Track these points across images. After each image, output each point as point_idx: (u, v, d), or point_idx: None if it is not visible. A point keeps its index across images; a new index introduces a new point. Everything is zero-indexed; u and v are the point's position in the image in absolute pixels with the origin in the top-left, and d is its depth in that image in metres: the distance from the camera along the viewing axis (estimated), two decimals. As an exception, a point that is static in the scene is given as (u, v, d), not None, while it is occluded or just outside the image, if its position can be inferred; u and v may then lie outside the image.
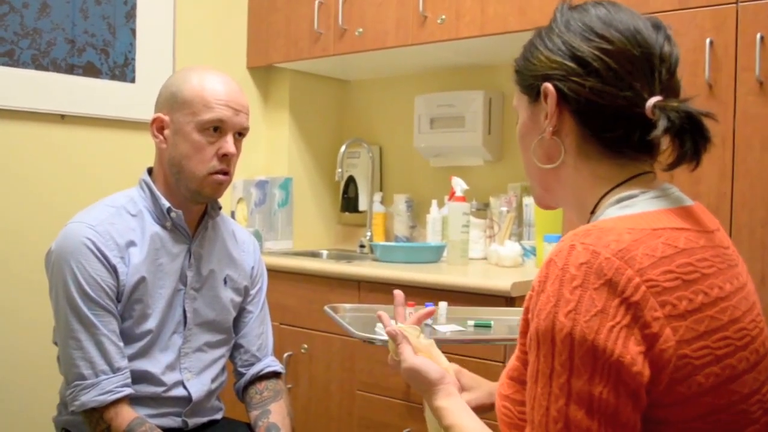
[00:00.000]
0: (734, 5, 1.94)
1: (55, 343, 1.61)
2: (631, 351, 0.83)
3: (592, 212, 1.01)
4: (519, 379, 0.96)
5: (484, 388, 1.29)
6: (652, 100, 0.95)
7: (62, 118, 2.63)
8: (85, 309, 1.52)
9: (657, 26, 1.01)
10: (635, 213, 0.95)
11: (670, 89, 0.99)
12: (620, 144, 0.99)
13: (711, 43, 1.96)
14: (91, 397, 1.50)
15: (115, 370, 1.53)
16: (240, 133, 1.65)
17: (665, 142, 0.97)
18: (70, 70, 2.63)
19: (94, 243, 1.54)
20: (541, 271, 0.90)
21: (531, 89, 1.05)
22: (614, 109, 0.97)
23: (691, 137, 0.92)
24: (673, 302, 0.86)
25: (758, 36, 1.88)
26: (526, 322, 0.93)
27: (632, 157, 1.00)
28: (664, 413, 0.86)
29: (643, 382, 0.83)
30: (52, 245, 1.58)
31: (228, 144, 1.60)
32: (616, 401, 0.82)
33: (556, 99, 1.00)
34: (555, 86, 1.00)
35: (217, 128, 1.60)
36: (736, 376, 0.89)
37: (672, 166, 0.96)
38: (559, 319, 0.84)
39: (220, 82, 1.62)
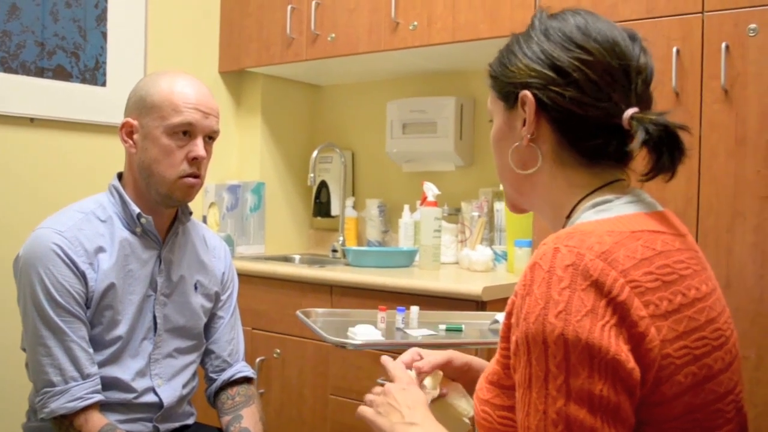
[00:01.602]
0: (700, 15, 1.97)
1: (23, 350, 1.59)
2: (623, 349, 0.84)
3: (568, 217, 1.03)
4: (499, 383, 0.97)
5: None
6: (629, 112, 0.96)
7: (31, 122, 2.61)
8: (53, 315, 1.51)
9: (633, 37, 1.02)
10: (612, 216, 0.96)
11: (645, 101, 1.01)
12: (597, 153, 1.01)
13: (678, 51, 1.98)
14: (60, 404, 1.49)
15: (84, 377, 1.51)
16: (210, 137, 1.64)
17: (638, 151, 0.99)
18: (40, 73, 2.61)
19: (62, 249, 1.53)
20: (525, 275, 0.90)
21: (508, 96, 1.05)
22: (592, 119, 0.98)
23: (668, 149, 0.94)
24: (655, 302, 0.87)
25: (723, 45, 1.91)
26: (508, 327, 0.94)
27: (607, 165, 1.02)
28: (647, 413, 0.87)
29: (638, 379, 0.84)
30: (20, 251, 1.57)
31: (198, 147, 1.60)
32: (616, 398, 0.83)
33: (534, 107, 1.01)
34: (534, 94, 1.01)
35: (186, 132, 1.59)
36: (712, 375, 0.91)
37: (648, 177, 0.98)
38: (550, 321, 0.84)
39: (189, 86, 1.61)
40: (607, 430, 0.82)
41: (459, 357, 1.33)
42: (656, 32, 2.02)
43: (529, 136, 1.03)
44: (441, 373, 1.29)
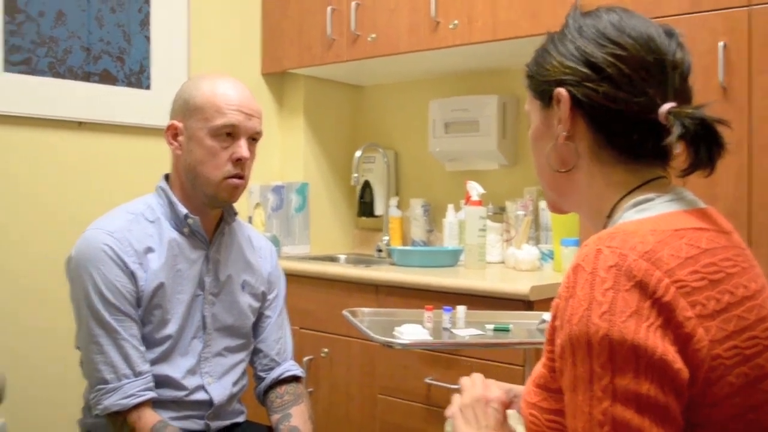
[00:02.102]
0: (747, 9, 1.93)
1: (78, 348, 1.62)
2: (670, 350, 0.82)
3: (609, 216, 1.01)
4: (545, 386, 0.96)
5: None
6: (666, 106, 0.95)
7: (79, 125, 2.65)
8: (105, 314, 1.53)
9: (669, 33, 1.01)
10: (654, 215, 0.95)
11: (683, 95, 0.99)
12: (634, 149, 1.00)
13: (724, 46, 1.94)
14: (113, 401, 1.51)
15: (137, 374, 1.54)
16: (253, 138, 1.66)
17: (678, 147, 0.97)
18: (87, 77, 2.65)
19: (112, 249, 1.55)
20: (568, 277, 0.89)
21: (543, 94, 1.05)
22: (627, 114, 0.97)
23: (706, 144, 0.93)
24: (702, 302, 0.85)
25: (773, 38, 1.87)
26: (552, 329, 0.92)
27: (646, 163, 1.01)
28: (700, 415, 0.85)
29: (685, 380, 0.83)
30: (72, 252, 1.60)
31: (241, 148, 1.61)
32: (664, 398, 0.81)
33: (569, 104, 1.00)
34: (568, 91, 1.00)
35: (229, 133, 1.61)
36: (764, 375, 0.88)
37: (686, 173, 0.97)
38: (594, 322, 0.83)
39: (232, 88, 1.63)
40: (655, 430, 0.81)
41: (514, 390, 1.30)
42: (702, 27, 1.98)
43: (564, 133, 1.02)
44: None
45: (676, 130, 0.92)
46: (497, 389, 1.25)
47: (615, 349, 0.82)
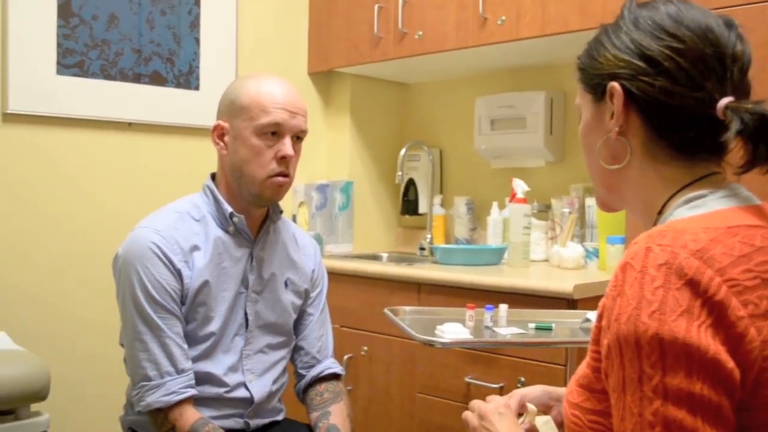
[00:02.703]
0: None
1: (122, 345, 1.65)
2: (721, 349, 0.80)
3: (659, 213, 0.99)
4: (589, 387, 0.94)
5: None
6: (724, 101, 0.92)
7: (129, 126, 2.71)
8: (150, 312, 1.56)
9: (729, 24, 0.98)
10: (707, 212, 0.92)
11: (742, 90, 0.96)
12: (689, 145, 0.97)
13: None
14: (156, 398, 1.54)
15: (179, 372, 1.56)
16: (298, 136, 1.66)
17: (733, 143, 0.94)
18: (137, 79, 2.71)
19: (159, 248, 1.58)
20: (617, 276, 0.88)
21: (596, 88, 1.03)
22: (684, 109, 0.95)
23: (765, 140, 0.90)
24: (754, 301, 0.83)
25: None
26: (599, 330, 0.91)
27: (700, 158, 0.98)
28: (748, 418, 0.83)
29: (737, 380, 0.81)
30: (119, 250, 1.63)
31: (286, 147, 1.62)
32: (717, 398, 0.80)
33: (623, 98, 0.98)
34: (622, 85, 0.98)
35: (274, 132, 1.62)
36: None
37: (744, 170, 0.94)
38: (643, 321, 0.82)
39: (277, 86, 1.64)
40: (709, 430, 0.79)
41: (554, 393, 1.30)
42: (758, 18, 1.93)
43: (617, 128, 1.00)
44: (535, 409, 1.26)
45: (735, 126, 0.90)
46: (518, 394, 1.25)
47: (666, 348, 0.80)
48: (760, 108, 0.90)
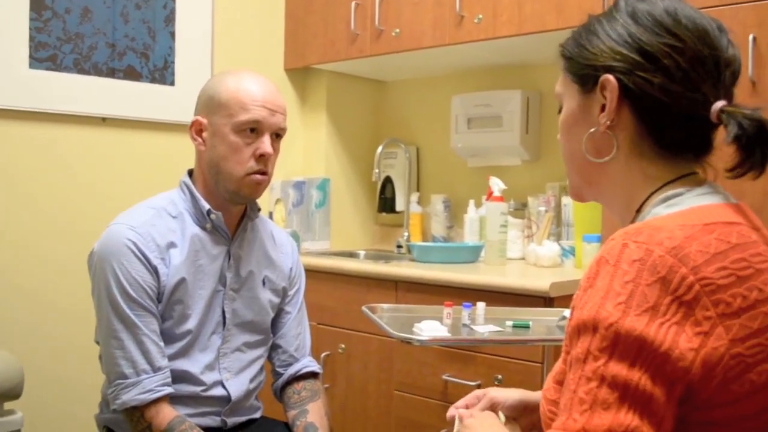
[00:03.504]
0: (778, 0, 1.90)
1: (97, 342, 1.63)
2: (681, 347, 0.81)
3: (638, 211, 0.99)
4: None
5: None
6: (719, 104, 0.93)
7: (103, 121, 2.68)
8: (126, 309, 1.54)
9: (720, 28, 0.98)
10: (684, 209, 0.93)
11: (731, 94, 0.97)
12: (676, 144, 0.97)
13: (754, 39, 1.92)
14: (132, 396, 1.53)
15: (155, 370, 1.55)
16: (277, 134, 1.65)
17: (726, 146, 0.94)
18: (111, 73, 2.68)
19: (135, 244, 1.56)
20: (591, 269, 0.88)
21: (585, 78, 1.01)
22: (677, 109, 0.94)
23: (761, 146, 0.90)
24: (727, 300, 0.84)
25: (802, 31, 1.84)
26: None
27: (684, 158, 0.99)
28: (715, 414, 0.84)
29: (685, 379, 0.82)
30: (95, 246, 1.61)
31: (265, 144, 1.61)
32: (651, 390, 0.80)
33: (618, 92, 0.97)
34: (618, 79, 0.96)
35: (253, 129, 1.61)
36: None
37: (736, 174, 0.93)
38: (606, 309, 0.82)
39: (256, 84, 1.63)
40: (632, 417, 0.79)
41: (529, 397, 1.30)
42: (731, 19, 1.95)
43: (608, 122, 0.99)
44: (504, 418, 1.27)
45: (732, 130, 0.90)
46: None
47: (620, 339, 0.81)
48: (758, 114, 0.90)
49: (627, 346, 0.81)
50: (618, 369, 0.81)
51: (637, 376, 0.80)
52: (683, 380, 0.82)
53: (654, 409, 0.81)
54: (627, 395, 0.80)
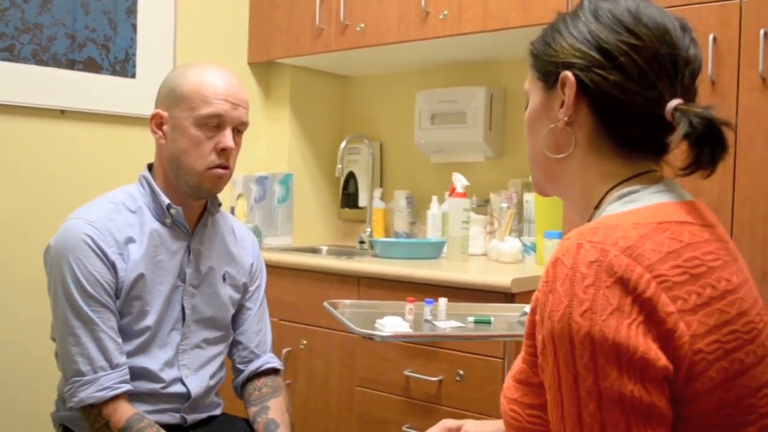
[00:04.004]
0: (738, 1, 1.93)
1: (53, 339, 1.61)
2: (652, 347, 0.82)
3: (596, 208, 1.00)
4: (526, 381, 0.95)
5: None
6: (673, 103, 0.93)
7: (62, 114, 2.63)
8: (83, 305, 1.51)
9: (684, 27, 0.99)
10: (639, 207, 0.94)
11: (690, 93, 0.98)
12: (633, 142, 0.98)
13: (714, 39, 1.95)
14: (89, 394, 1.50)
15: (113, 367, 1.52)
16: (239, 129, 1.64)
17: (676, 144, 0.96)
18: (71, 65, 2.63)
19: (92, 239, 1.53)
20: (548, 271, 0.88)
21: (548, 75, 1.02)
22: (633, 106, 0.95)
23: (710, 145, 0.91)
24: (683, 297, 0.85)
25: (761, 32, 1.87)
26: (532, 323, 0.92)
27: (641, 156, 0.99)
28: (680, 410, 0.85)
29: (671, 375, 0.83)
30: (51, 241, 1.58)
31: (226, 138, 1.59)
32: (649, 398, 0.82)
33: (575, 89, 0.98)
34: (576, 75, 0.97)
35: (215, 123, 1.59)
36: (744, 370, 0.88)
37: (687, 173, 0.95)
38: (575, 320, 0.83)
39: (219, 77, 1.61)
40: (642, 430, 0.81)
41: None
42: (694, 19, 1.96)
43: (566, 118, 1.00)
44: None
45: (683, 128, 0.91)
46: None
47: (596, 348, 0.82)
48: (708, 113, 0.91)
49: (606, 356, 0.82)
50: (609, 383, 0.81)
51: (630, 387, 0.81)
52: (668, 378, 0.83)
53: (656, 413, 0.82)
54: (626, 408, 0.81)
